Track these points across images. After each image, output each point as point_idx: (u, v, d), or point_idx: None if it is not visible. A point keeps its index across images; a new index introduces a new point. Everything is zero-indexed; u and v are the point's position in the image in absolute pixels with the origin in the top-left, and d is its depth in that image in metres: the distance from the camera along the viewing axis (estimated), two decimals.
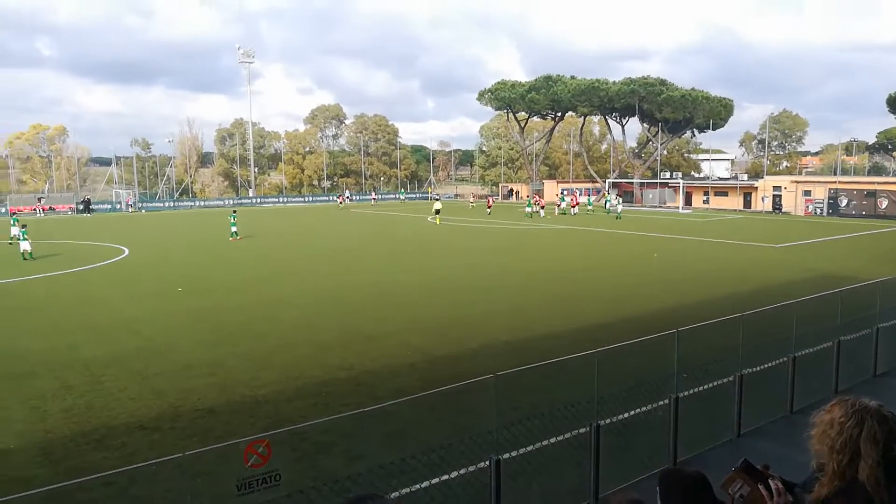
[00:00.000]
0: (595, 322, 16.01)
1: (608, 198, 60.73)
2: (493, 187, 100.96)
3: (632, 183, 74.05)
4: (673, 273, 23.70)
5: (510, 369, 8.39)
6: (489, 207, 57.77)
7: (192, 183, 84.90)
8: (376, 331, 15.32)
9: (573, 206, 55.67)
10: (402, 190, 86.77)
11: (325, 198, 79.89)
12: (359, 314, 17.02)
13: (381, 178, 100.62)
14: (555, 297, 19.27)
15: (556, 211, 56.60)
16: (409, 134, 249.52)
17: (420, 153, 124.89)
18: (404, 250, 30.82)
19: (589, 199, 60.96)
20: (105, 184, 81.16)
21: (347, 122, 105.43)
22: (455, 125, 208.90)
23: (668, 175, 75.62)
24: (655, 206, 66.54)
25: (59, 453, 9.04)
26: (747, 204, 64.30)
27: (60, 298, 19.60)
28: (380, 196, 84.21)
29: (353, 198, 78.12)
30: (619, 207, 53.04)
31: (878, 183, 56.03)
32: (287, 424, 9.47)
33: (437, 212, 46.70)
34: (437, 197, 77.13)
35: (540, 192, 77.88)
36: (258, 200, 77.63)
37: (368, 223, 49.01)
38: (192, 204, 73.78)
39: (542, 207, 53.54)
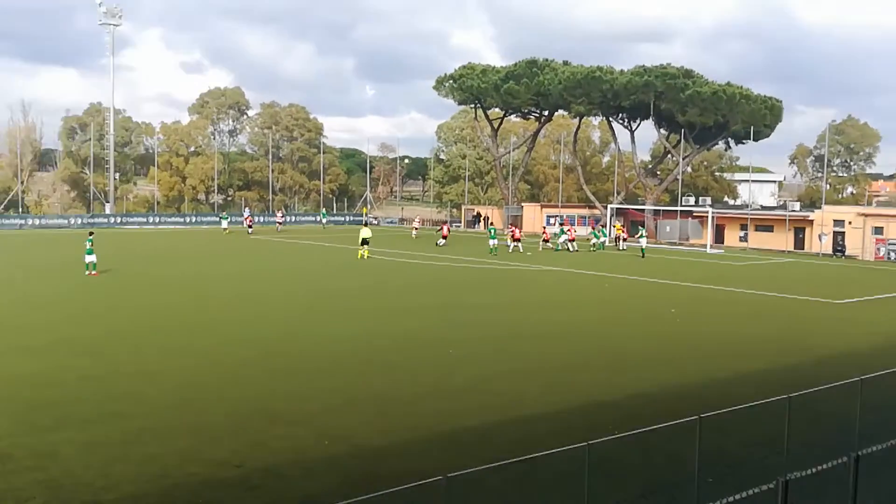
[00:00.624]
0: (591, 400, 16.16)
1: (597, 231, 61.75)
2: (454, 210, 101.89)
3: (643, 210, 75.57)
4: (697, 336, 24.13)
5: (468, 468, 8.37)
6: (444, 238, 57.95)
7: (23, 192, 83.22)
8: (282, 410, 15.16)
9: (571, 241, 56.70)
10: (324, 210, 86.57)
11: (213, 218, 78.88)
12: (257, 387, 16.82)
13: (299, 193, 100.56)
14: (535, 364, 19.40)
15: (541, 246, 57.25)
16: (339, 133, 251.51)
17: (353, 160, 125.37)
18: (321, 295, 30.73)
19: (595, 233, 61.20)
20: None
21: (251, 113, 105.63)
22: (403, 123, 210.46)
23: (692, 201, 77.35)
24: (674, 243, 67.98)
25: None
26: (799, 243, 66.07)
27: None
28: (289, 218, 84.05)
29: (256, 219, 77.36)
30: (644, 241, 55.11)
31: None
32: None
33: (365, 242, 46.76)
34: (368, 221, 77.10)
35: (517, 220, 79.05)
36: (119, 220, 76.58)
37: (273, 256, 48.69)
38: (22, 223, 72.34)
39: (518, 240, 54.27)
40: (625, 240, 61.28)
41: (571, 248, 56.30)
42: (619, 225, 65.29)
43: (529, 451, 12.28)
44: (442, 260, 47.26)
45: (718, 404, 13.76)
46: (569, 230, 58.82)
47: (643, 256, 53.11)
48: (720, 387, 17.69)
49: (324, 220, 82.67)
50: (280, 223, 75.72)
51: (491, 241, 52.88)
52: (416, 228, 68.28)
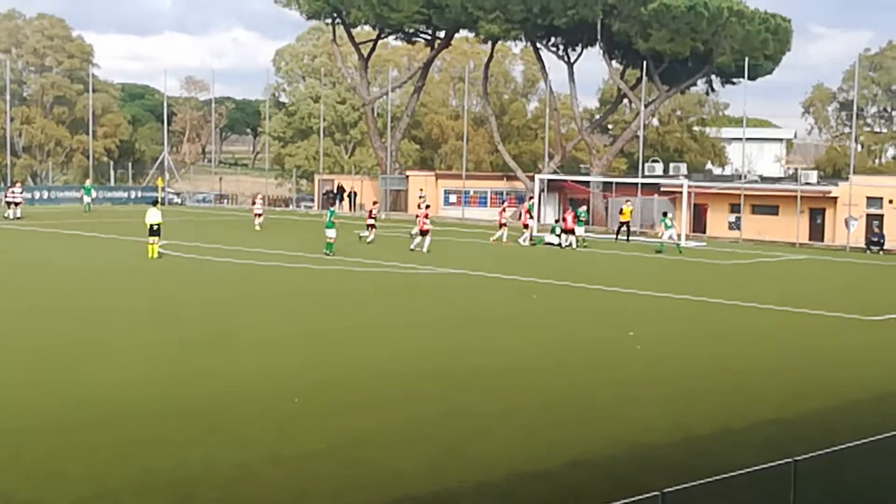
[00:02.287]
0: (508, 472, 16.14)
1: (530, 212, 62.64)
2: (303, 181, 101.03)
3: (587, 183, 76.23)
4: (666, 373, 24.45)
5: None
6: (369, 226, 56.10)
7: None
8: None
9: (523, 227, 59.19)
10: (89, 184, 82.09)
11: None
12: None
13: (55, 155, 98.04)
14: (424, 425, 19.36)
15: (505, 237, 58.73)
16: (120, 60, 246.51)
17: (142, 103, 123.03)
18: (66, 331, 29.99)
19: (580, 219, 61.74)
20: None
21: None
22: (222, 46, 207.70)
23: (658, 169, 78.58)
24: (633, 232, 68.74)
25: None
26: (817, 231, 67.82)
27: None
28: (41, 193, 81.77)
29: None
30: (669, 234, 57.67)
31: None
32: None
33: (154, 231, 45.84)
34: (164, 199, 75.24)
35: (400, 197, 79.08)
36: None
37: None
38: None
39: (426, 233, 53.61)
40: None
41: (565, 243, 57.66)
42: (628, 209, 65.00)
43: None
44: (295, 260, 46.86)
45: (693, 472, 13.92)
46: (521, 212, 59.90)
47: (679, 251, 55.94)
48: (700, 447, 17.90)
49: (87, 199, 78.54)
50: (16, 203, 71.04)
51: (329, 232, 49.56)
52: (259, 214, 65.56)
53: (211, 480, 15.68)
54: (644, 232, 68.88)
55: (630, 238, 62.36)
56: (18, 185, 76.05)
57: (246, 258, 46.62)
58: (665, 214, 59.42)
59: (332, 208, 53.19)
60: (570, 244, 57.17)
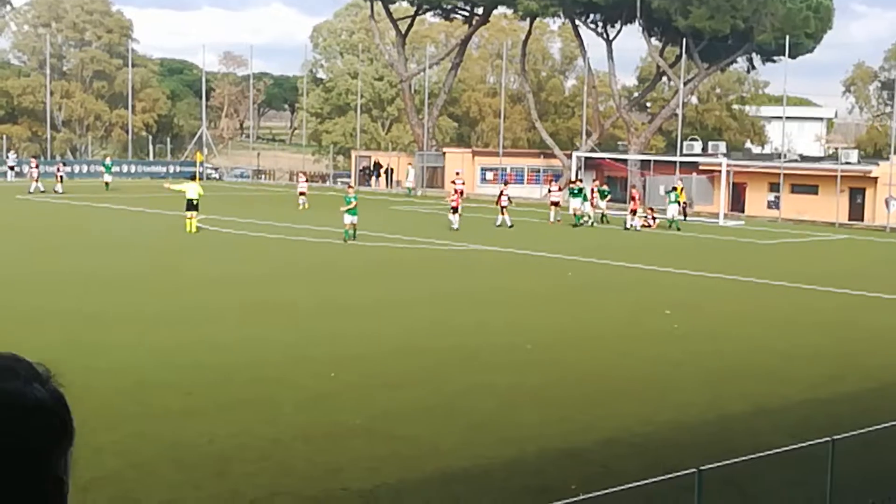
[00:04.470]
0: (540, 448, 16.17)
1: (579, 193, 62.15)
2: (340, 157, 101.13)
3: (625, 160, 75.93)
4: (703, 352, 24.42)
5: None
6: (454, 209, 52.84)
7: None
8: None
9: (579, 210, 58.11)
10: (109, 161, 79.91)
11: None
12: None
13: (95, 129, 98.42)
14: (456, 397, 19.38)
15: (553, 217, 58.36)
16: (159, 36, 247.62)
17: (181, 78, 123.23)
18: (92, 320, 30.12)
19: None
20: None
21: (18, 2, 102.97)
22: (260, 22, 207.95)
23: (698, 147, 78.09)
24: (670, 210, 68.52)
25: None
26: (857, 211, 67.28)
27: None
28: (81, 168, 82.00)
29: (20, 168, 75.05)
30: (673, 210, 58.00)
31: None
32: None
33: (192, 206, 45.50)
34: (204, 174, 75.20)
35: (436, 172, 78.92)
36: None
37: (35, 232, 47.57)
38: None
39: (505, 206, 53.30)
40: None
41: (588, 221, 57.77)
42: (680, 186, 63.23)
43: None
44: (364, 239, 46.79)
45: (728, 451, 13.88)
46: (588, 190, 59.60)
47: (677, 229, 56.27)
48: (733, 426, 17.92)
49: (108, 177, 75.44)
50: (61, 177, 70.43)
51: (348, 218, 45.65)
52: (304, 193, 63.93)
53: (244, 454, 15.78)
54: (682, 210, 68.39)
55: (685, 217, 61.74)
56: (33, 160, 74.44)
57: (296, 234, 46.88)
58: (673, 189, 59.14)
59: (349, 195, 47.40)
60: (634, 225, 56.60)
